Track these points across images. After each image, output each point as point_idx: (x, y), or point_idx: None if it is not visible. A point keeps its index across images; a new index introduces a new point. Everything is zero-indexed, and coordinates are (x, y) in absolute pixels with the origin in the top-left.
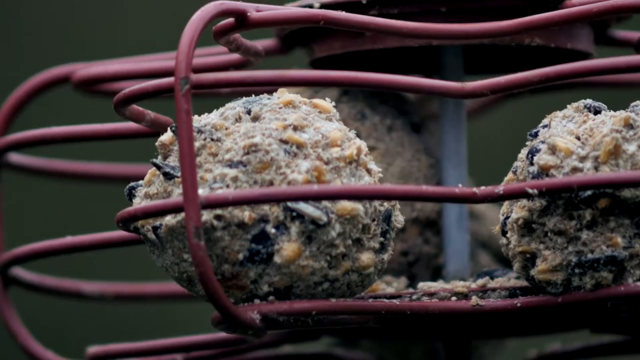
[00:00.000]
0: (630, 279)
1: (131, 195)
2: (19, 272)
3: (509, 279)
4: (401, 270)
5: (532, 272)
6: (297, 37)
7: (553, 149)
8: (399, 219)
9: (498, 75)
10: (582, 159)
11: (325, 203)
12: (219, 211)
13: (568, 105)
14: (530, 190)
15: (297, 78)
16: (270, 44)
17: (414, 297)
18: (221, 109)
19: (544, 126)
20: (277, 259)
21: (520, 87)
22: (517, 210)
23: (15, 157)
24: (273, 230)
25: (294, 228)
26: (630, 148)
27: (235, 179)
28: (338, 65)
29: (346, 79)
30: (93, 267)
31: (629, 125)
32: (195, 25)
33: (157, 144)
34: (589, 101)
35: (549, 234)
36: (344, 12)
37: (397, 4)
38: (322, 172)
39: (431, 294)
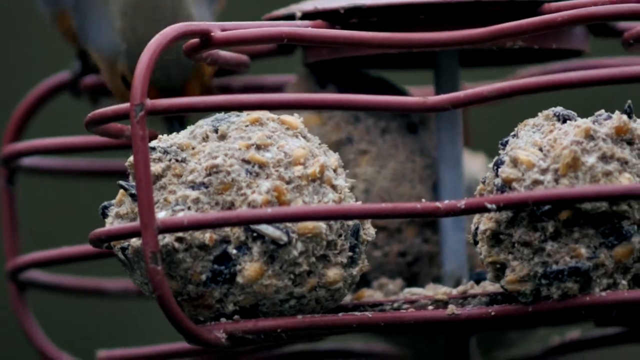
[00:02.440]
0: (597, 288)
1: (104, 215)
2: (35, 274)
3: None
4: (400, 271)
5: (502, 282)
6: None
7: (515, 162)
8: (369, 232)
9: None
10: (543, 171)
11: (286, 222)
12: (180, 233)
13: (539, 113)
14: (488, 205)
15: (246, 102)
16: (272, 46)
17: (395, 305)
18: (192, 127)
19: (514, 135)
20: (239, 279)
21: (477, 102)
22: (485, 222)
23: (27, 160)
24: (234, 251)
25: (256, 248)
26: (590, 160)
27: (196, 201)
28: (334, 65)
29: (296, 102)
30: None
31: (589, 137)
32: (152, 50)
33: (126, 164)
34: (558, 109)
35: (516, 245)
36: (309, 28)
37: (376, 13)
38: (282, 192)
39: (412, 302)
